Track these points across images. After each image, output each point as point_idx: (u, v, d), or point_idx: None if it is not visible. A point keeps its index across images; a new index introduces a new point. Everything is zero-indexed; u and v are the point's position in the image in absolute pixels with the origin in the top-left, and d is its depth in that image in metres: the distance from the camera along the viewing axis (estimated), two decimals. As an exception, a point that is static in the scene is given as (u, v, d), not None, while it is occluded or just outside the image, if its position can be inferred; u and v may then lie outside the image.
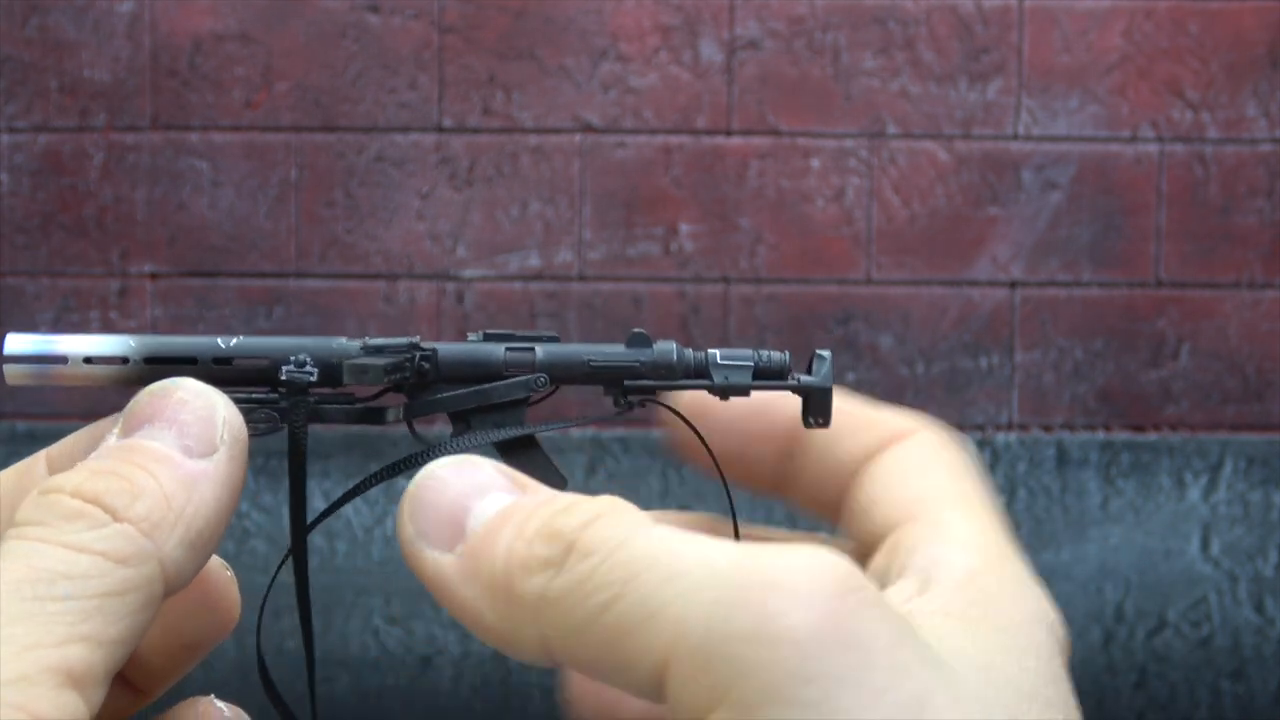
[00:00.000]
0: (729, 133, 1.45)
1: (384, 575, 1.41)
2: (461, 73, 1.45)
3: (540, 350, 0.34)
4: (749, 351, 0.34)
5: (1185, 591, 1.40)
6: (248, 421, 0.32)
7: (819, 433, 0.34)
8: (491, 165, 1.46)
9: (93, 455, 0.29)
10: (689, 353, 0.34)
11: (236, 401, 0.31)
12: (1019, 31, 1.44)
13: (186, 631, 0.32)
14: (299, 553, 0.32)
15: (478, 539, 0.28)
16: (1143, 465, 1.44)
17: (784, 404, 0.34)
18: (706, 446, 0.35)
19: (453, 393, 0.34)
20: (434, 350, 0.34)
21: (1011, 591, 0.29)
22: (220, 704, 0.32)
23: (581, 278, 1.45)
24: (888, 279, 1.44)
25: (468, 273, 1.46)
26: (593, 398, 0.35)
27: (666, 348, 0.34)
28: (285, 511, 1.40)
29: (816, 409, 0.34)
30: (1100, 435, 1.45)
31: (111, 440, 0.29)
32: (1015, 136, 1.45)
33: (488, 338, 0.34)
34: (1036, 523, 1.42)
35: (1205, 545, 1.41)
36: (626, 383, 0.34)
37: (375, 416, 0.34)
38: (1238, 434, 1.45)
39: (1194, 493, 1.42)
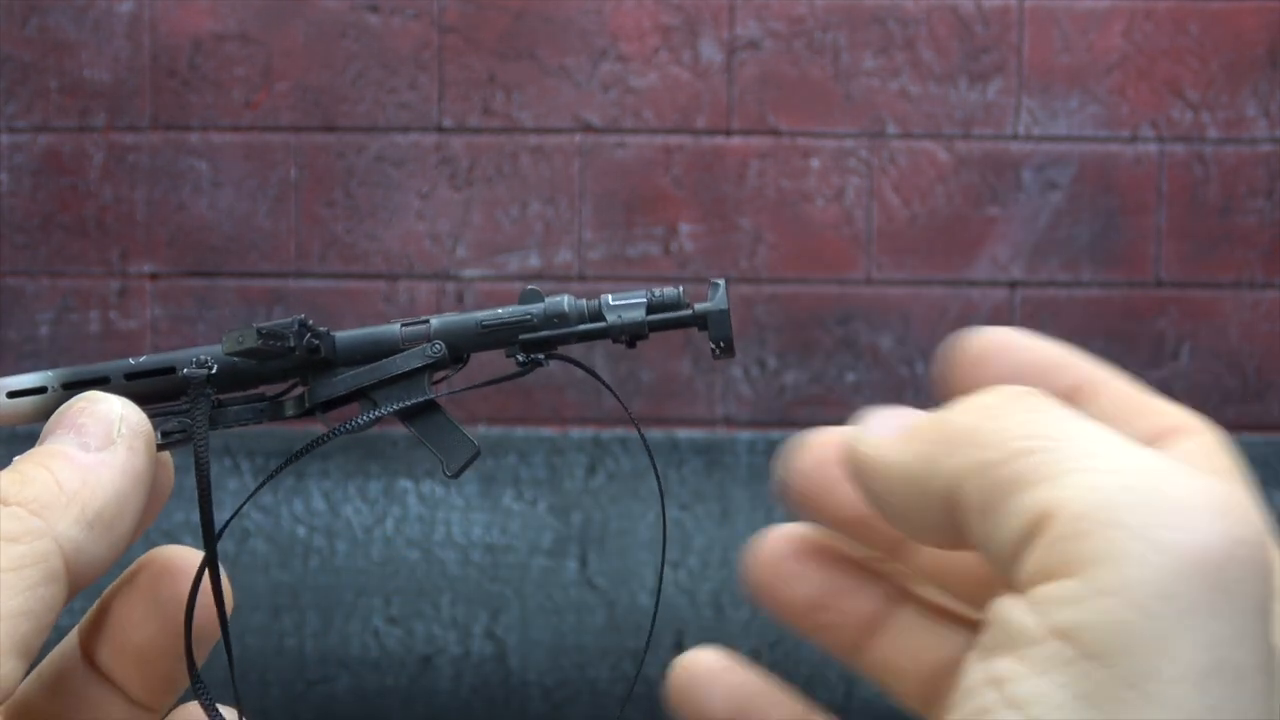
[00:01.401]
0: (729, 133, 1.45)
1: (384, 575, 1.41)
2: (461, 73, 1.45)
3: (435, 321, 0.34)
4: (641, 291, 0.35)
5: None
6: (160, 433, 0.33)
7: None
8: (491, 165, 1.46)
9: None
10: (581, 302, 0.35)
11: (152, 416, 0.33)
12: (1019, 31, 1.44)
13: (179, 624, 0.33)
14: (211, 555, 0.33)
15: (920, 421, 0.29)
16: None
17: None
18: (618, 398, 0.35)
19: (353, 372, 0.34)
20: (328, 333, 0.34)
21: None
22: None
23: (581, 278, 1.45)
24: (888, 279, 1.44)
25: (468, 273, 1.46)
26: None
27: (557, 299, 0.35)
28: (285, 511, 1.40)
29: (717, 333, 0.34)
30: (1100, 435, 1.45)
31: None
32: (1015, 136, 1.45)
33: (391, 323, 0.35)
34: (1036, 523, 1.42)
35: (1205, 545, 1.40)
36: (522, 338, 0.34)
37: (277, 410, 0.35)
38: (1238, 434, 1.45)
39: (1194, 493, 1.42)
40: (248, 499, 0.35)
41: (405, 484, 1.42)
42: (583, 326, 0.34)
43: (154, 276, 1.47)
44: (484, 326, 0.34)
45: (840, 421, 0.33)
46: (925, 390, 1.46)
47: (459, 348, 0.34)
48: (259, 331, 0.33)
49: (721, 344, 0.34)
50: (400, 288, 1.46)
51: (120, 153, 1.46)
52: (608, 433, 1.43)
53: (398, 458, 1.42)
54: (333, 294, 1.46)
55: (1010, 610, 0.25)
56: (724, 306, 0.34)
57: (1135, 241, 1.46)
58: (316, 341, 0.34)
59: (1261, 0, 1.44)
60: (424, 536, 1.41)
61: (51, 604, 0.28)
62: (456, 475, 0.35)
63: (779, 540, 0.33)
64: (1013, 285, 1.45)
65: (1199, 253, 1.46)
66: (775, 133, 1.45)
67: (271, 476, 0.35)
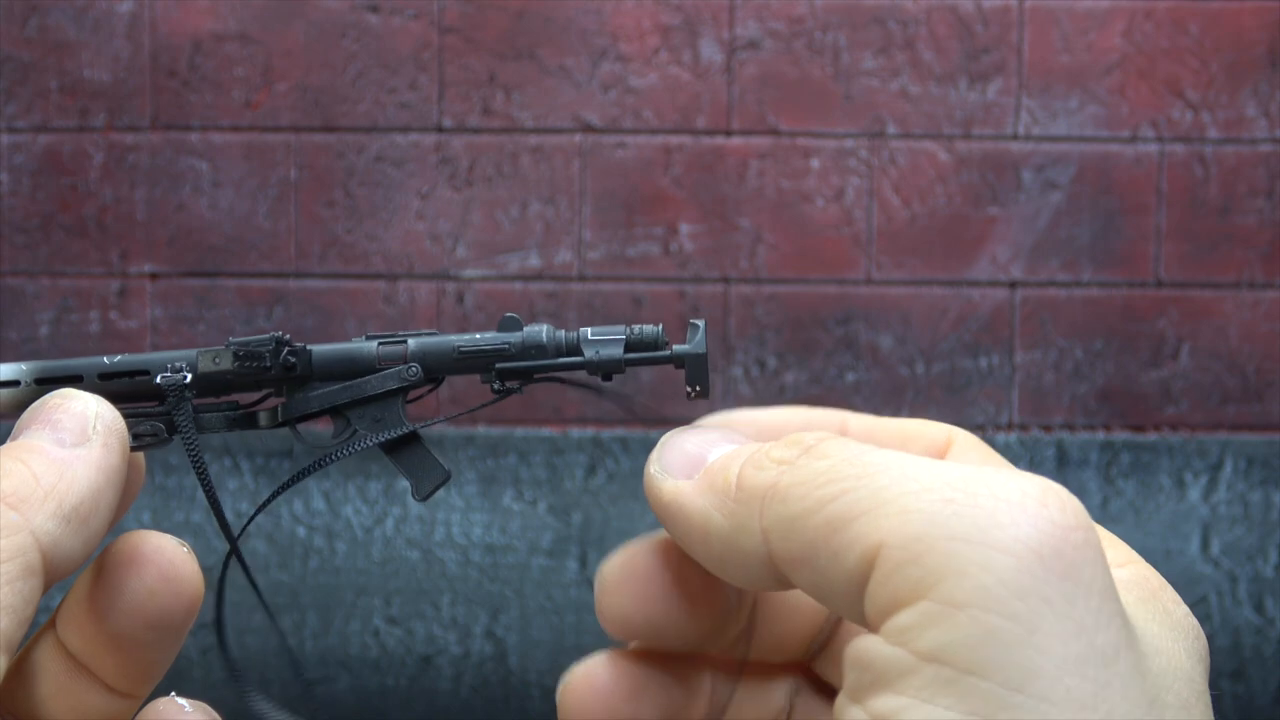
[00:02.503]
0: (729, 133, 1.45)
1: (384, 575, 1.41)
2: (461, 73, 1.45)
3: (413, 343, 0.35)
4: (620, 326, 0.35)
5: (1185, 591, 1.39)
6: (134, 434, 0.33)
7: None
8: (491, 165, 1.46)
9: None
10: (560, 333, 0.35)
11: (124, 416, 0.33)
12: (1019, 31, 1.44)
13: (149, 610, 0.33)
14: (227, 562, 0.33)
15: (716, 463, 0.30)
16: (1143, 465, 1.44)
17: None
18: (620, 403, 0.35)
19: (327, 390, 0.34)
20: (305, 348, 0.34)
21: (1169, 593, 0.29)
22: (181, 700, 0.33)
23: (581, 278, 1.45)
24: (888, 279, 1.44)
25: (468, 273, 1.46)
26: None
27: (536, 329, 0.35)
28: (285, 511, 1.40)
29: (693, 376, 0.34)
30: (1100, 435, 1.45)
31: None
32: (1015, 136, 1.45)
33: (369, 339, 0.35)
34: (1036, 523, 1.42)
35: (1205, 545, 1.41)
36: (498, 366, 0.34)
37: (249, 421, 0.35)
38: (1238, 434, 1.45)
39: (1194, 493, 1.42)
40: (250, 519, 0.35)
41: (405, 484, 1.41)
42: (560, 360, 0.34)
43: (154, 276, 1.47)
44: (461, 353, 0.34)
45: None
46: (925, 390, 1.46)
47: (434, 370, 0.35)
48: (235, 354, 0.33)
49: (698, 387, 0.34)
50: (400, 288, 1.46)
51: (120, 153, 1.46)
52: (608, 433, 1.43)
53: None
54: (333, 294, 1.46)
55: (871, 647, 0.25)
56: (702, 350, 0.35)
57: (1135, 241, 1.46)
58: (293, 359, 0.34)
59: (1261, 0, 1.44)
60: (424, 536, 1.41)
61: (30, 598, 0.29)
62: (425, 499, 0.35)
63: (592, 678, 0.33)
64: (1013, 285, 1.45)
65: (1199, 253, 1.46)
66: (775, 133, 1.45)
67: (270, 499, 0.35)
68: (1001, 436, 1.45)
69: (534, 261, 1.46)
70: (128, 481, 0.32)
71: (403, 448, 0.35)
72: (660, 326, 0.35)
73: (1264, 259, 1.45)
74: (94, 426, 0.31)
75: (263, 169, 1.46)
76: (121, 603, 0.32)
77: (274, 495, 0.35)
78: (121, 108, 1.46)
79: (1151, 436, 1.45)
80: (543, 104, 1.45)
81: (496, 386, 0.35)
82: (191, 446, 0.33)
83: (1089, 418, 1.46)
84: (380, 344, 0.35)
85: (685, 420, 0.36)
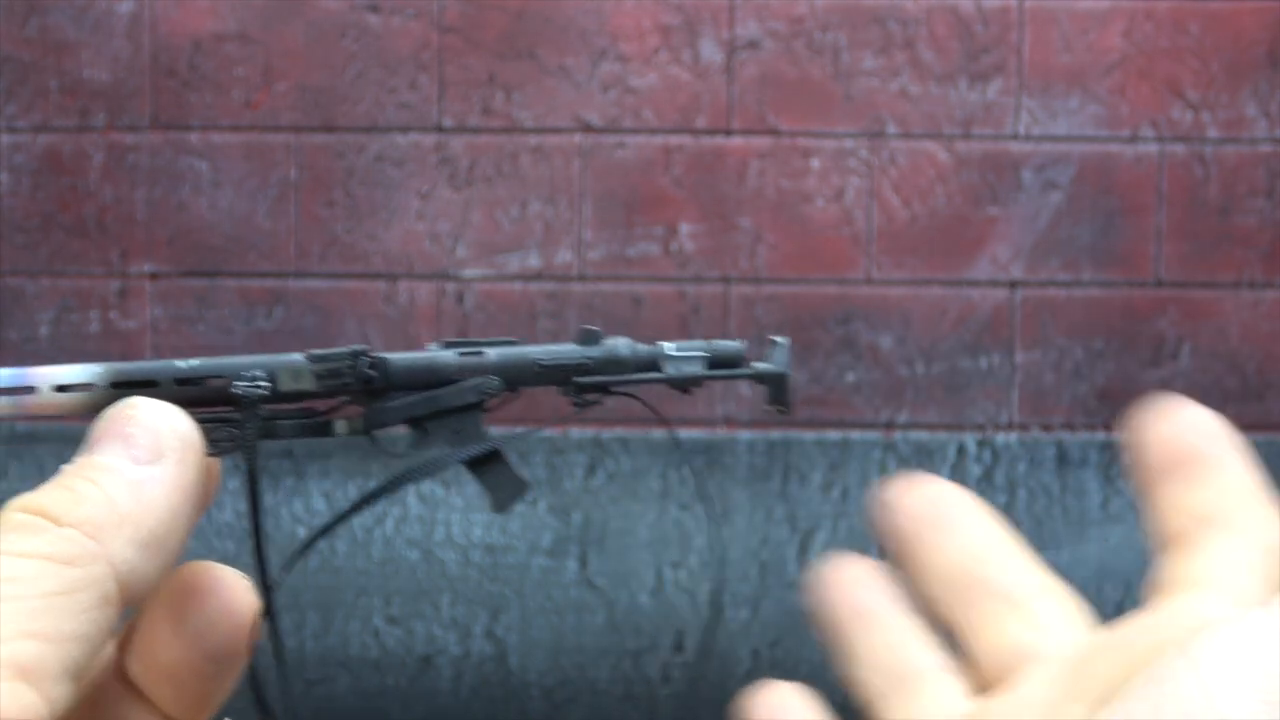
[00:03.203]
0: (729, 133, 1.45)
1: (384, 575, 1.41)
2: (461, 73, 1.45)
3: (492, 354, 0.35)
4: (701, 342, 0.35)
5: (1185, 591, 1.39)
6: (210, 440, 0.33)
7: None
8: (491, 165, 1.46)
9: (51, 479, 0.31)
10: (641, 347, 0.35)
11: (199, 421, 0.33)
12: (1019, 31, 1.44)
13: (209, 642, 0.32)
14: (261, 564, 0.33)
15: None
16: (1143, 465, 1.44)
17: None
18: (670, 431, 0.35)
19: (406, 400, 0.34)
20: (383, 359, 0.34)
21: None
22: None
23: (581, 278, 1.45)
24: (888, 279, 1.44)
25: (468, 273, 1.46)
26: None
27: (616, 343, 0.35)
28: (285, 511, 1.40)
29: (776, 395, 0.34)
30: (1100, 435, 1.45)
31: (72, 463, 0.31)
32: (1015, 136, 1.45)
33: (448, 346, 0.35)
34: (1036, 523, 1.42)
35: (1205, 545, 1.41)
36: (577, 380, 0.35)
37: (324, 430, 0.35)
38: (1238, 434, 1.45)
39: (1194, 493, 1.42)
40: (318, 535, 0.35)
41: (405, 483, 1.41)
42: (638, 376, 0.35)
43: (154, 276, 1.47)
44: (541, 367, 0.35)
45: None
46: (925, 390, 1.46)
47: (513, 383, 0.35)
48: (316, 374, 0.33)
49: (779, 407, 0.34)
50: (400, 288, 1.46)
51: (120, 153, 1.46)
52: (608, 433, 1.43)
53: (397, 458, 1.42)
54: (333, 294, 1.46)
55: None
56: (785, 370, 0.35)
57: (1135, 241, 1.46)
58: (372, 373, 0.34)
59: (1261, 0, 1.44)
60: (424, 536, 1.41)
61: (104, 627, 0.28)
62: (502, 511, 0.35)
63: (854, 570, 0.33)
64: (1013, 285, 1.45)
65: (1199, 253, 1.46)
66: (775, 133, 1.45)
67: (343, 518, 0.35)
68: (1001, 436, 1.45)
69: (534, 261, 1.46)
70: (202, 491, 0.32)
71: (484, 461, 0.35)
72: (742, 343, 0.35)
73: (1264, 259, 1.45)
74: (168, 442, 0.31)
75: (263, 169, 1.46)
76: (182, 633, 0.32)
77: (350, 512, 0.35)
78: (121, 108, 1.46)
79: (1151, 436, 1.45)
80: (543, 104, 1.45)
81: (576, 400, 0.35)
82: (251, 465, 0.33)
83: (1089, 418, 1.46)
84: (459, 354, 0.35)
85: (691, 419, 0.36)
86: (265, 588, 0.34)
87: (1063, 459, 1.44)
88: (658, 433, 1.43)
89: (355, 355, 0.34)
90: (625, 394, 0.35)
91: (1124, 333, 1.46)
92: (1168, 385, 1.46)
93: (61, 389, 0.34)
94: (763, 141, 1.45)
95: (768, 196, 1.45)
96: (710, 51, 1.45)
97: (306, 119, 1.46)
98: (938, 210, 1.45)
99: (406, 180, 1.46)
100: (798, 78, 1.45)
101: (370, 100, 1.46)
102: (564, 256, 1.46)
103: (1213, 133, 1.45)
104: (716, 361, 0.35)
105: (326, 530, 0.35)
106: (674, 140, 1.45)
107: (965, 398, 1.46)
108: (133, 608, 0.30)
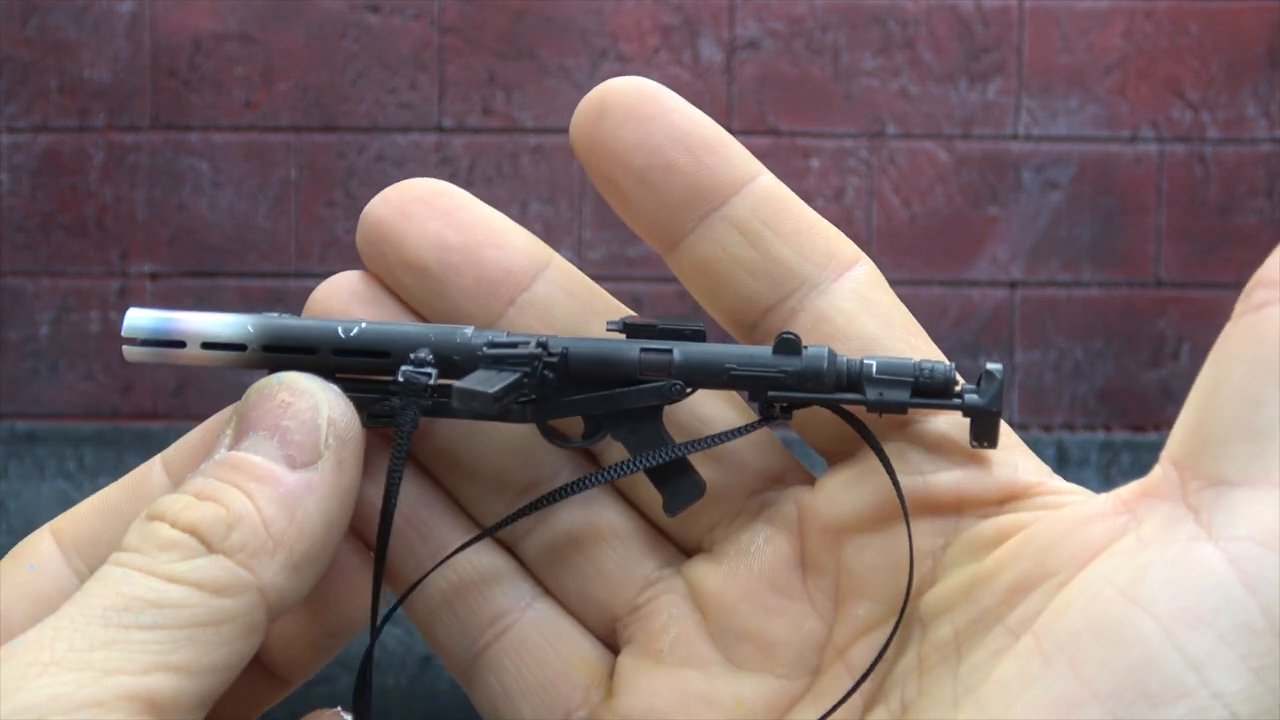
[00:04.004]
0: (729, 133, 1.45)
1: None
2: (461, 73, 1.45)
3: (678, 353, 0.32)
4: (909, 363, 0.32)
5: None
6: (367, 413, 0.31)
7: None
8: (491, 165, 1.46)
9: (200, 469, 0.29)
10: (842, 360, 0.32)
11: (357, 391, 0.31)
12: (1019, 31, 1.44)
13: (330, 620, 0.32)
14: (379, 564, 0.31)
15: None
16: (1143, 465, 1.43)
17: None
18: (884, 459, 0.31)
19: (583, 397, 0.32)
20: (564, 351, 0.32)
21: None
22: (347, 716, 0.32)
23: (581, 278, 1.45)
24: (888, 279, 1.44)
25: (468, 273, 1.46)
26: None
27: (817, 354, 0.31)
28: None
29: (982, 432, 0.31)
30: (1100, 435, 1.45)
31: (222, 450, 0.29)
32: (1015, 136, 1.45)
33: (627, 329, 0.33)
34: (1036, 523, 1.42)
35: (1205, 545, 1.41)
36: (771, 393, 0.32)
37: (498, 414, 0.32)
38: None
39: (1194, 493, 1.42)
40: (456, 550, 0.32)
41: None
42: (838, 395, 0.31)
43: (154, 276, 1.47)
44: (733, 376, 0.32)
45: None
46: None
47: (699, 386, 0.32)
48: (494, 397, 0.30)
49: (986, 443, 0.31)
50: (400, 288, 1.46)
51: (120, 153, 1.46)
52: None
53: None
54: (333, 294, 1.46)
55: None
56: (996, 408, 0.31)
57: (1135, 241, 1.46)
58: (550, 374, 0.31)
59: (1261, 0, 1.44)
60: (424, 536, 1.41)
61: (246, 656, 0.27)
62: (675, 514, 0.33)
63: None
64: (1013, 285, 1.45)
65: (1199, 253, 1.46)
66: (775, 133, 1.45)
67: (509, 521, 0.32)
68: (1001, 436, 1.45)
69: (534, 261, 1.46)
70: (358, 488, 0.30)
71: (666, 468, 0.32)
72: (952, 366, 0.32)
73: (1264, 259, 1.45)
74: (326, 439, 0.29)
75: (263, 169, 1.46)
76: (305, 608, 0.31)
77: (520, 513, 0.32)
78: (121, 108, 1.46)
79: (1151, 436, 1.45)
80: (543, 104, 1.45)
81: (765, 413, 0.32)
82: (398, 459, 0.31)
83: (1089, 418, 1.46)
84: (642, 350, 0.32)
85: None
86: (378, 579, 0.31)
87: (1063, 459, 1.44)
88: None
89: (534, 359, 0.31)
90: (825, 406, 0.32)
91: (1124, 333, 1.46)
92: (1168, 385, 1.46)
93: (210, 346, 0.32)
94: (763, 141, 1.45)
95: (768, 196, 1.45)
96: (710, 51, 1.45)
97: (306, 119, 1.46)
98: (937, 210, 1.45)
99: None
100: (798, 78, 1.45)
101: (370, 100, 1.46)
102: (564, 256, 1.46)
103: (1213, 133, 1.45)
104: (923, 388, 0.31)
105: (491, 531, 0.33)
106: (674, 140, 1.45)
107: (965, 398, 1.46)
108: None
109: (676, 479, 0.32)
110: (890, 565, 0.31)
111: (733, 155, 0.33)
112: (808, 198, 1.48)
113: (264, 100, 1.46)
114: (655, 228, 0.33)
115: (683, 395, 0.32)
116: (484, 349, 0.31)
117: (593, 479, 0.32)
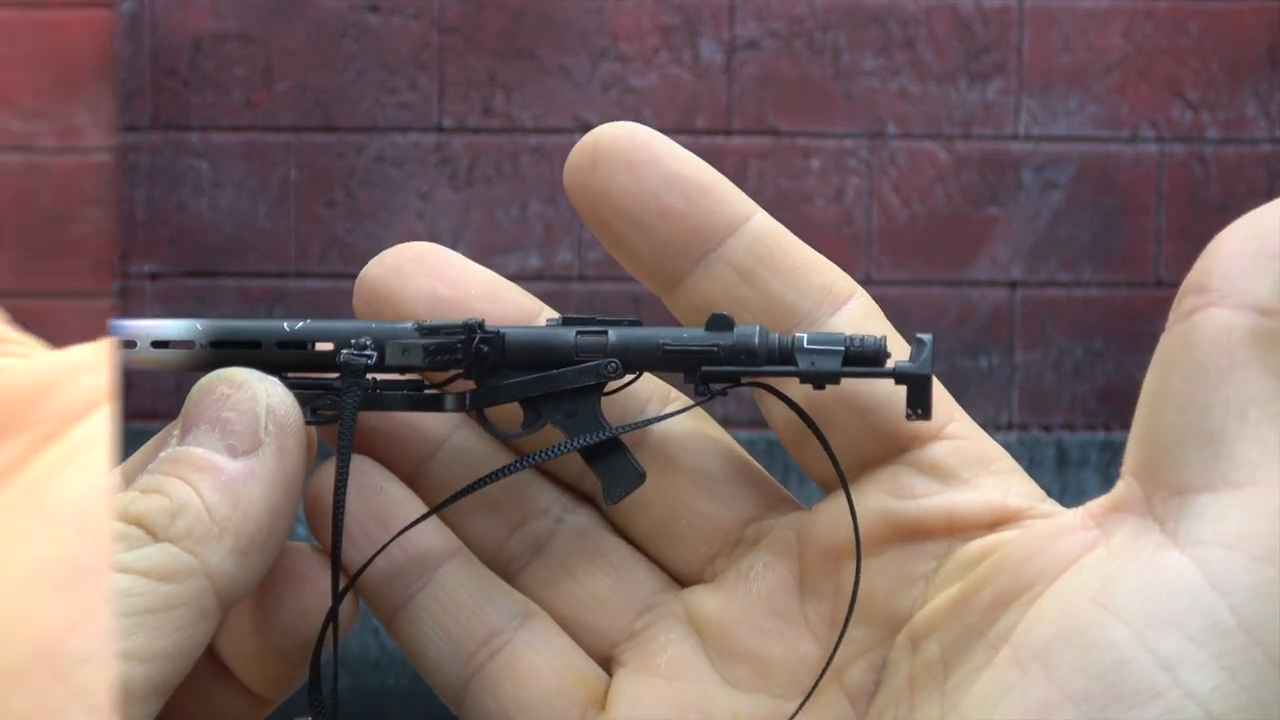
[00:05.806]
0: (729, 133, 1.45)
1: (384, 575, 1.40)
2: (461, 73, 1.45)
3: (613, 335, 0.33)
4: (840, 335, 0.32)
5: (1185, 591, 1.39)
6: (310, 409, 0.31)
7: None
8: (491, 165, 1.46)
9: (149, 467, 0.29)
10: (774, 337, 0.32)
11: (301, 388, 0.31)
12: (1019, 31, 1.44)
13: (305, 629, 0.32)
14: (335, 549, 0.32)
15: None
16: (1143, 465, 1.44)
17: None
18: (822, 439, 0.32)
19: (519, 380, 0.33)
20: (498, 334, 0.33)
21: None
22: None
23: (581, 278, 1.45)
24: (888, 279, 1.44)
25: (468, 273, 1.46)
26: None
27: (748, 331, 0.32)
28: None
29: (916, 399, 0.32)
30: (1100, 435, 1.45)
31: (169, 448, 0.30)
32: (1015, 136, 1.45)
33: (565, 322, 0.34)
34: (1036, 523, 1.42)
35: (1205, 545, 1.41)
36: (705, 369, 0.32)
37: (434, 403, 0.33)
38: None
39: (1194, 493, 1.42)
40: (405, 529, 0.33)
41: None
42: (769, 367, 0.32)
43: (154, 276, 1.47)
44: (666, 352, 0.32)
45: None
46: (925, 390, 1.46)
47: (635, 366, 0.33)
48: (426, 348, 0.31)
49: (920, 411, 0.32)
50: (400, 288, 1.46)
51: (120, 153, 1.46)
52: (608, 433, 1.43)
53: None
54: (333, 294, 1.46)
55: None
56: (927, 372, 0.32)
57: (1135, 241, 1.46)
58: (485, 349, 0.32)
59: (1261, 0, 1.44)
60: (424, 536, 1.41)
61: (200, 642, 0.27)
62: (616, 503, 0.33)
63: None
64: (1013, 285, 1.45)
65: (1199, 253, 1.45)
66: (775, 133, 1.45)
67: (449, 502, 0.33)
68: (1001, 436, 1.45)
69: (534, 261, 1.46)
70: (302, 477, 0.31)
71: (599, 448, 0.33)
72: (883, 338, 0.33)
73: (1264, 259, 1.45)
74: (266, 426, 0.29)
75: (263, 169, 1.46)
76: (278, 620, 0.32)
77: (456, 497, 0.33)
78: (121, 107, 1.46)
79: (1151, 436, 1.45)
80: (543, 104, 1.45)
81: (700, 390, 0.33)
82: (344, 439, 0.31)
83: (1089, 418, 1.46)
84: (579, 333, 0.33)
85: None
86: (335, 574, 0.32)
87: (1063, 459, 1.44)
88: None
89: (469, 330, 0.32)
90: (757, 385, 0.33)
91: (1124, 333, 1.46)
92: (1168, 385, 1.46)
93: (160, 345, 0.33)
94: (763, 141, 1.45)
95: (767, 196, 1.45)
96: (710, 51, 1.45)
97: (306, 119, 1.46)
98: (938, 210, 1.45)
99: (406, 180, 1.46)
100: (798, 78, 1.45)
101: (370, 100, 1.46)
102: (564, 256, 1.46)
103: (1213, 133, 1.45)
104: (854, 357, 0.32)
105: (427, 516, 0.33)
106: (674, 140, 1.45)
107: (965, 398, 1.46)
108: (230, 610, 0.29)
109: (615, 466, 0.33)
110: (887, 588, 0.31)
111: (726, 197, 0.34)
112: (808, 198, 1.48)
113: (264, 100, 1.46)
114: (653, 271, 0.34)
115: (619, 374, 0.33)
116: (415, 327, 0.32)
117: (527, 460, 0.33)
